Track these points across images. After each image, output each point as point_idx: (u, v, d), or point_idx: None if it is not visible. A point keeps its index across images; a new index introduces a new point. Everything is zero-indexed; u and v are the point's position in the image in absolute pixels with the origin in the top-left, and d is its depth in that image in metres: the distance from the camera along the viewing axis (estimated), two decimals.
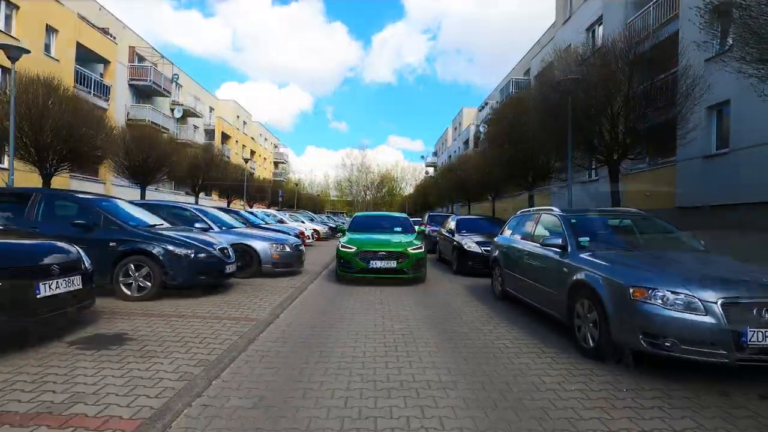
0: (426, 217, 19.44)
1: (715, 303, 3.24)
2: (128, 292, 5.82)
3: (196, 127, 40.95)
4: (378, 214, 13.48)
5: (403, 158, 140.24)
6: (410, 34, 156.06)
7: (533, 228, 6.04)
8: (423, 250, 8.49)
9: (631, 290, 3.59)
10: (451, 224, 12.06)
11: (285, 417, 2.74)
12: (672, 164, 14.85)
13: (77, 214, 6.00)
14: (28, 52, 10.40)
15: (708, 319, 3.24)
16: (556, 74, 11.79)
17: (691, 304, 3.33)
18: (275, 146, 71.76)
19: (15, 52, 9.99)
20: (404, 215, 11.60)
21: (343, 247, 8.40)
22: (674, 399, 3.11)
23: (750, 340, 3.12)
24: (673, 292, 3.42)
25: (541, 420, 2.76)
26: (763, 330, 3.12)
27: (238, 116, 51.85)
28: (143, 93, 31.95)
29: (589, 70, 10.56)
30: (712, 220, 12.78)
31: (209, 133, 44.38)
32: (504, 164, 14.70)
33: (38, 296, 3.65)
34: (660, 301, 3.43)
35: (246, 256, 8.25)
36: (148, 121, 29.20)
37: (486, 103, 41.61)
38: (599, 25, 20.29)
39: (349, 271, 8.16)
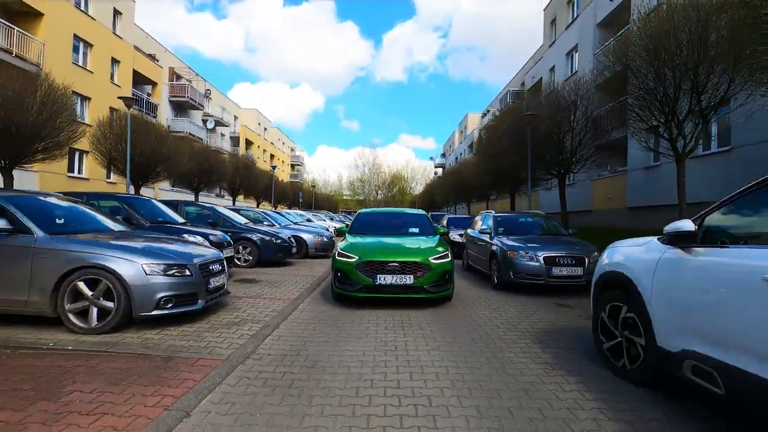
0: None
1: (541, 257, 7.05)
2: (238, 263, 9.80)
3: (222, 135, 45.31)
4: (388, 210, 9.78)
5: (415, 157, 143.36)
6: (421, 33, 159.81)
7: (482, 223, 9.85)
8: (450, 259, 6.30)
9: (508, 252, 7.41)
10: (444, 221, 15.90)
11: (345, 306, 6.64)
12: (625, 172, 18.42)
13: (207, 216, 9.99)
14: (135, 99, 14.50)
15: (537, 264, 7.05)
16: (521, 108, 15.51)
17: (532, 258, 7.14)
18: (292, 149, 76.16)
19: (129, 101, 14.11)
20: (421, 212, 8.71)
21: (340, 255, 6.28)
22: (528, 300, 6.91)
23: (553, 273, 6.93)
24: (525, 252, 7.23)
25: (467, 302, 6.61)
26: (558, 268, 6.93)
27: (259, 123, 56.20)
28: (181, 107, 36.29)
29: (543, 106, 14.27)
30: (651, 218, 16.34)
31: (234, 140, 48.68)
32: (490, 173, 18.46)
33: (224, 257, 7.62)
34: (520, 257, 7.25)
35: (298, 244, 12.19)
36: (187, 132, 33.45)
37: (488, 111, 45.25)
38: (576, 52, 23.80)
39: (349, 289, 6.08)
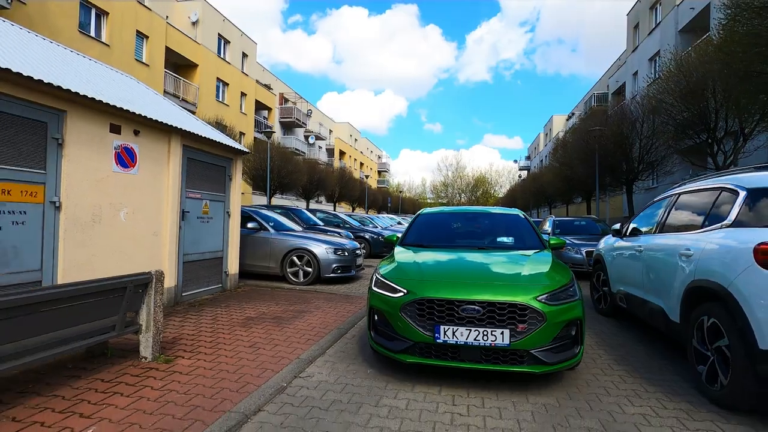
0: None
1: (583, 250, 9.39)
2: None
3: (320, 147, 51.08)
4: (463, 210, 5.97)
5: (500, 157, 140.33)
6: (506, 30, 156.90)
7: (547, 225, 12.21)
8: (578, 297, 3.39)
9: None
10: None
11: None
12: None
13: (333, 220, 13.68)
14: (273, 132, 19.04)
15: (580, 256, 9.40)
16: (589, 123, 17.19)
17: (577, 251, 9.50)
18: (378, 157, 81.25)
19: (268, 134, 18.65)
20: (517, 212, 5.47)
21: (377, 285, 3.70)
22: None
23: (590, 263, 9.25)
24: (572, 248, 9.61)
25: None
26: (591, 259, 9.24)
27: (350, 135, 61.66)
28: (288, 126, 42.30)
29: (611, 121, 15.88)
30: None
31: (329, 152, 54.39)
32: (563, 180, 20.21)
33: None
34: (568, 251, 9.64)
35: None
36: (293, 148, 39.06)
37: (573, 113, 45.08)
38: (658, 57, 24.08)
39: (390, 346, 3.41)
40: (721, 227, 3.26)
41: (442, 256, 4.18)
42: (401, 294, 3.39)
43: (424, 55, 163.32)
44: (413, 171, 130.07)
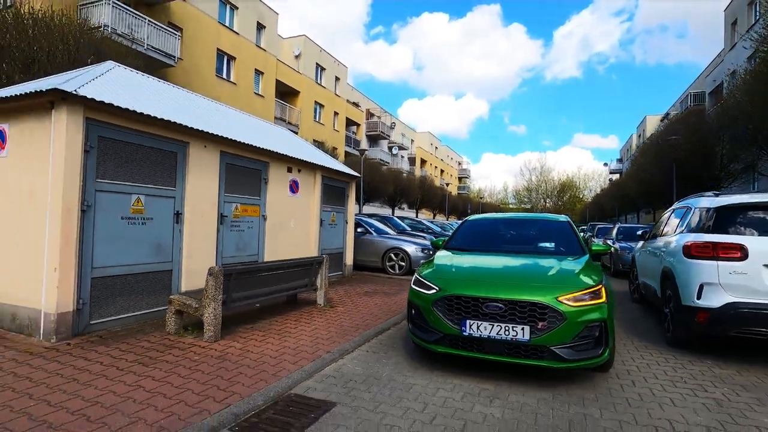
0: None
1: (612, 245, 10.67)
2: None
3: (402, 157, 54.05)
4: (508, 217, 6.07)
5: (592, 158, 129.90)
6: (598, 21, 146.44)
7: (614, 232, 13.38)
8: (603, 300, 3.57)
9: (619, 251, 11.17)
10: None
11: None
12: None
13: (418, 226, 16.09)
14: (366, 150, 22.07)
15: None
16: (665, 132, 17.51)
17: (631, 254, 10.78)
18: (459, 163, 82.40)
19: (361, 152, 21.70)
20: (562, 218, 5.62)
21: (415, 283, 4.19)
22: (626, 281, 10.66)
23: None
24: (628, 252, 10.87)
25: None
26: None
27: (431, 143, 63.98)
28: (373, 138, 45.83)
29: (688, 129, 16.20)
30: None
31: (411, 160, 57.14)
32: (641, 185, 20.48)
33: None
34: (626, 254, 10.94)
35: None
36: (378, 159, 42.33)
37: (667, 114, 42.52)
38: (757, 57, 22.81)
39: (424, 337, 3.89)
40: (681, 232, 5.00)
41: (476, 259, 4.52)
42: (434, 291, 3.81)
43: (506, 55, 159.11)
44: (496, 174, 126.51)
